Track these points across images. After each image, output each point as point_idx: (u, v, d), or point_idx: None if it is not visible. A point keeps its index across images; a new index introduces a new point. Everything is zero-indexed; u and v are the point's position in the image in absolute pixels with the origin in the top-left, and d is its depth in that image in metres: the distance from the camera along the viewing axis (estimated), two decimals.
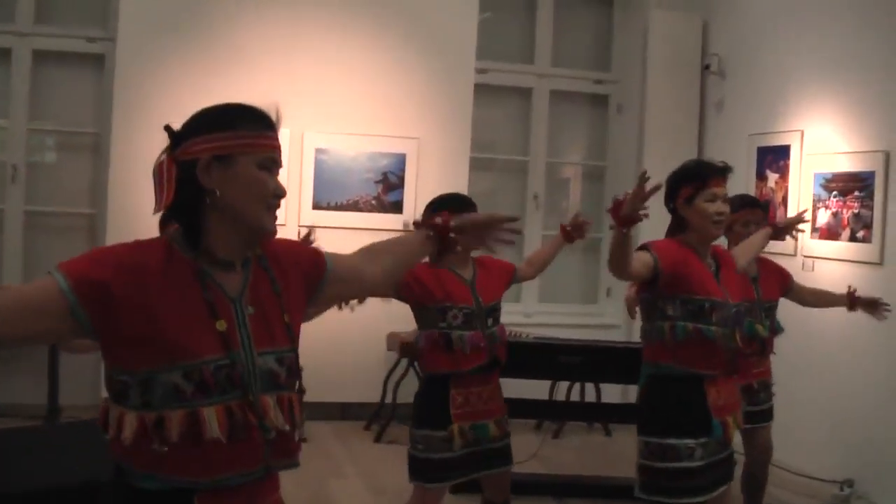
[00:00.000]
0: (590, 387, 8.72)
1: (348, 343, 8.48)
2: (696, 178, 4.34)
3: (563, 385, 8.70)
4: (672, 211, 4.43)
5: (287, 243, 2.76)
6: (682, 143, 9.28)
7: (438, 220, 3.03)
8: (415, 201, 8.65)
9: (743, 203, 5.74)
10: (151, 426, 2.29)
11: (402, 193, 8.87)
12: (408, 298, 4.83)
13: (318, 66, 8.74)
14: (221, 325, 2.39)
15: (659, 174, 8.06)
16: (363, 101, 8.83)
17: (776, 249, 6.83)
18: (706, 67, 9.42)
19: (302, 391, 2.57)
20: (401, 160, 8.81)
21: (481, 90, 9.32)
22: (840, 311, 6.14)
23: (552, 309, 9.62)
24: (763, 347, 5.72)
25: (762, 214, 5.91)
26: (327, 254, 2.80)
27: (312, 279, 2.72)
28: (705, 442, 4.23)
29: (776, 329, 5.84)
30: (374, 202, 8.82)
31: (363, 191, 8.74)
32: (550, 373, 7.54)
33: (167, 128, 2.51)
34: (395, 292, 4.79)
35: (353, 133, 8.79)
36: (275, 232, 2.55)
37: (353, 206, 8.71)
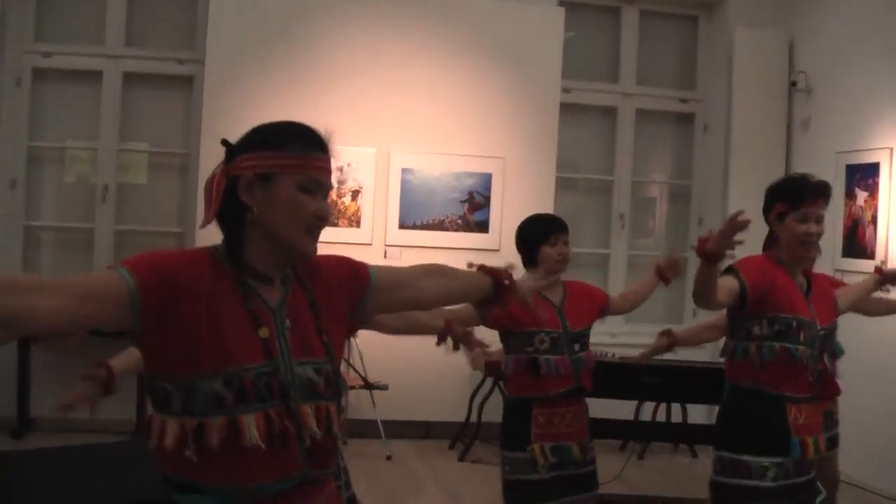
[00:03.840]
0: (676, 407, 8.66)
1: (433, 362, 8.45)
2: (791, 195, 4.23)
3: (650, 406, 8.64)
4: (768, 224, 4.35)
5: (329, 259, 2.75)
6: (768, 162, 9.18)
7: (506, 280, 3.00)
8: (500, 221, 8.67)
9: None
10: (192, 433, 2.33)
11: (487, 213, 8.89)
12: (495, 324, 4.84)
13: (403, 85, 8.83)
14: (264, 333, 2.43)
15: (745, 193, 8.01)
16: (449, 121, 8.90)
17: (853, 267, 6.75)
18: (793, 85, 9.33)
19: (342, 404, 2.58)
20: (486, 179, 8.83)
21: (566, 109, 9.34)
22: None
23: (638, 329, 9.55)
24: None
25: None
26: (372, 266, 2.79)
27: (355, 292, 2.72)
28: (780, 462, 4.13)
29: (836, 352, 5.56)
30: (459, 221, 8.86)
31: (449, 210, 8.78)
32: (635, 393, 7.50)
33: (224, 142, 2.55)
34: (482, 320, 4.81)
35: (439, 152, 8.86)
36: (314, 254, 2.56)
37: (439, 226, 8.76)
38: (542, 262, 4.92)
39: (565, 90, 9.32)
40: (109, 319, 2.29)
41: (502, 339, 4.95)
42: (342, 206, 8.69)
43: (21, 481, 4.57)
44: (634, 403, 8.47)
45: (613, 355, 7.36)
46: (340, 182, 8.68)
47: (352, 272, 2.75)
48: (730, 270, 4.16)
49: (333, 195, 8.62)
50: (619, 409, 7.41)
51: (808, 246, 4.22)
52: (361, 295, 2.73)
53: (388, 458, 8.12)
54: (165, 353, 2.35)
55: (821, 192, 4.26)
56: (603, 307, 5.13)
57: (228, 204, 2.48)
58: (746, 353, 4.22)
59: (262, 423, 2.36)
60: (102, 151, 8.88)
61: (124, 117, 8.91)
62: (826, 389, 4.46)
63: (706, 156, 9.90)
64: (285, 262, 2.54)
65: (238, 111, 8.33)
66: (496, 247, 8.48)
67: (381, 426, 8.34)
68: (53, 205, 8.98)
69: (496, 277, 3.00)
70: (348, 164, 8.70)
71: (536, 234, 4.96)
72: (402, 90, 8.81)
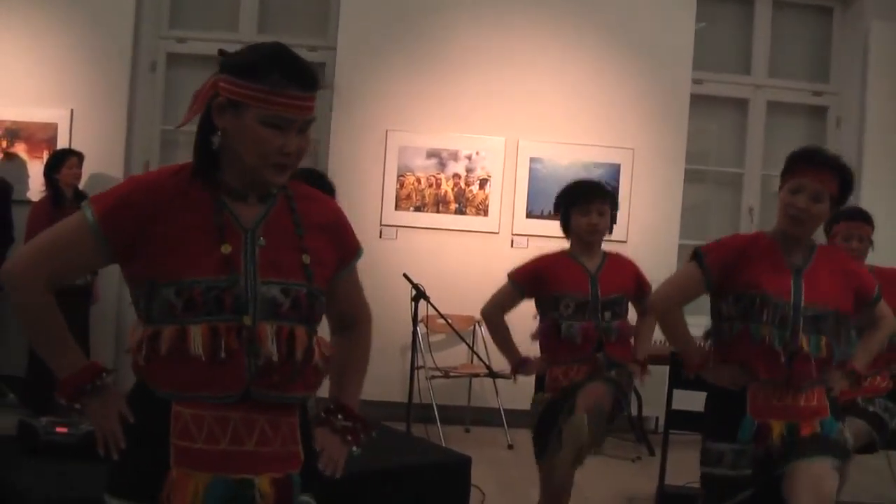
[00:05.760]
0: None
1: None
2: (790, 163, 3.95)
3: None
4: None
5: (335, 209, 2.77)
6: None
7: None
8: (628, 212, 8.59)
9: (848, 215, 5.36)
10: (146, 339, 2.44)
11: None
12: (527, 289, 4.94)
13: (533, 74, 8.81)
14: (226, 249, 2.45)
15: (878, 188, 7.77)
16: (578, 111, 8.84)
17: None
18: None
19: (314, 323, 2.58)
20: (615, 170, 8.77)
21: (696, 101, 9.20)
22: None
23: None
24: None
25: (869, 231, 5.47)
26: (358, 254, 2.80)
27: (340, 259, 2.72)
28: (738, 449, 3.89)
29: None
30: None
31: None
32: None
33: (220, 51, 2.53)
34: (518, 289, 4.93)
35: (568, 142, 8.81)
36: (277, 186, 2.54)
37: None
38: (572, 229, 4.94)
39: (696, 81, 9.19)
40: (87, 258, 2.53)
41: (536, 305, 5.02)
42: (470, 195, 8.71)
43: None
44: None
45: None
46: (469, 170, 8.70)
47: (350, 239, 2.77)
48: (695, 257, 4.01)
49: (461, 183, 8.65)
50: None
51: (794, 220, 3.87)
52: (342, 267, 2.74)
53: (510, 447, 8.10)
54: (137, 266, 2.46)
55: (815, 162, 3.88)
56: (639, 285, 5.10)
57: (205, 118, 2.51)
58: (720, 333, 4.02)
59: (208, 334, 2.40)
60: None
61: None
62: (793, 375, 3.90)
63: (838, 150, 9.45)
64: (260, 185, 2.54)
65: (368, 98, 8.39)
66: (623, 238, 8.39)
67: (503, 415, 8.33)
68: None
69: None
70: (477, 153, 8.71)
71: (568, 199, 4.96)
72: (531, 79, 8.79)
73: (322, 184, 4.19)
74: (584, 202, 4.87)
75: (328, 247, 2.65)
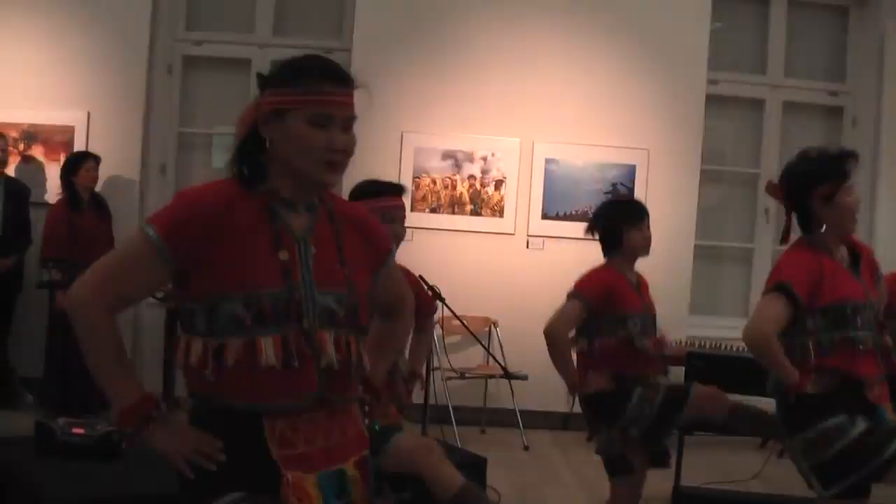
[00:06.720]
0: None
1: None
2: (837, 172, 4.04)
3: None
4: (800, 208, 4.17)
5: (366, 214, 2.88)
6: None
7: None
8: None
9: None
10: (212, 352, 2.48)
11: None
12: (592, 306, 4.86)
13: (548, 75, 8.80)
14: (284, 255, 2.53)
15: (894, 189, 7.72)
16: (593, 112, 8.84)
17: None
18: None
19: (363, 331, 2.67)
20: (630, 171, 8.75)
21: (711, 101, 9.17)
22: None
23: (704, 322, 9.35)
24: None
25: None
26: (391, 253, 2.91)
27: (374, 261, 2.81)
28: (867, 422, 3.94)
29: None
30: None
31: (592, 201, 8.63)
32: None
33: (258, 75, 2.66)
34: (587, 305, 4.85)
35: (583, 143, 8.80)
36: (330, 185, 2.63)
37: (582, 217, 8.60)
38: (628, 246, 4.93)
39: (711, 81, 9.16)
40: (151, 278, 2.55)
41: (585, 323, 4.91)
42: (486, 196, 8.72)
43: None
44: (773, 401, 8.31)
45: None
46: (484, 171, 8.71)
47: (381, 239, 2.88)
48: (778, 289, 4.01)
49: (477, 184, 8.67)
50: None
51: (854, 221, 4.11)
52: (377, 268, 2.82)
53: (526, 448, 8.11)
54: (198, 280, 2.51)
55: (853, 158, 4.12)
56: None
57: (253, 135, 2.60)
58: (805, 350, 4.04)
59: (279, 345, 2.48)
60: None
61: None
62: (890, 369, 4.13)
63: (854, 150, 9.64)
64: (308, 192, 2.63)
65: (383, 100, 8.39)
66: None
67: (519, 416, 8.34)
68: None
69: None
70: (492, 154, 8.72)
71: (624, 218, 4.97)
72: (546, 81, 8.79)
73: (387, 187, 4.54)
74: (639, 217, 4.94)
75: (364, 253, 2.75)
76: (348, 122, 2.58)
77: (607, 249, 4.99)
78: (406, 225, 7.99)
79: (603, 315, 4.85)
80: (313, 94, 2.52)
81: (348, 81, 2.59)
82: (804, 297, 3.97)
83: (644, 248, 4.97)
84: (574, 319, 4.88)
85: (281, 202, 2.59)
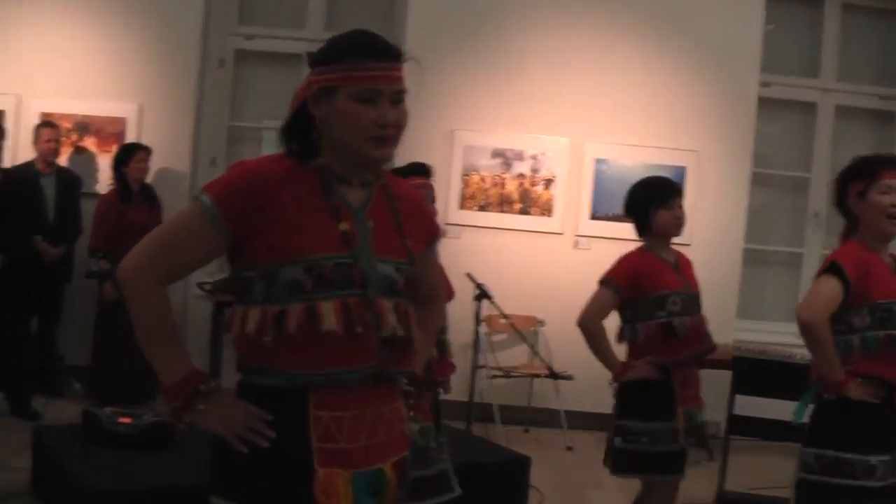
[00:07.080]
0: None
1: (619, 354, 8.44)
2: (866, 170, 4.06)
3: None
4: (844, 212, 4.16)
5: (421, 196, 2.94)
6: None
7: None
8: (693, 215, 8.52)
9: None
10: (272, 319, 2.42)
11: None
12: (623, 292, 4.81)
13: (598, 75, 8.79)
14: (344, 226, 2.50)
15: None
16: (644, 113, 8.81)
17: None
18: None
19: (412, 301, 2.64)
20: (680, 173, 8.67)
21: (763, 103, 9.11)
22: None
23: (751, 326, 9.28)
24: None
25: None
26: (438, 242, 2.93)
27: (423, 242, 2.79)
28: (888, 460, 3.91)
29: None
30: None
31: None
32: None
33: (307, 53, 2.63)
34: (617, 292, 4.81)
35: (634, 144, 8.78)
36: (382, 160, 2.60)
37: None
38: (657, 226, 4.86)
39: (763, 84, 9.10)
40: (205, 247, 2.52)
41: (624, 310, 4.88)
42: (535, 195, 8.71)
43: None
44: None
45: (802, 357, 7.15)
46: (534, 170, 8.71)
47: (432, 223, 2.91)
48: (832, 271, 3.98)
49: (526, 183, 8.66)
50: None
51: (893, 220, 4.02)
52: (424, 247, 2.80)
53: (569, 448, 8.10)
54: (254, 248, 2.47)
55: (894, 163, 4.08)
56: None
57: (302, 113, 2.59)
58: (850, 346, 4.00)
59: (340, 309, 2.44)
60: None
61: None
62: None
63: None
64: (360, 169, 2.62)
65: (434, 97, 8.39)
66: (688, 241, 8.32)
67: (563, 416, 8.34)
68: None
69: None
70: (542, 154, 8.71)
71: (651, 197, 4.88)
72: (596, 80, 8.77)
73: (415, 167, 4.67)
74: (667, 197, 4.86)
75: (418, 231, 2.73)
76: (397, 96, 2.54)
77: (639, 230, 4.96)
78: (454, 222, 8.04)
79: (639, 299, 4.79)
80: (358, 70, 2.49)
81: (395, 55, 2.55)
82: (853, 281, 3.94)
83: (675, 228, 4.86)
84: (604, 307, 4.84)
85: (335, 177, 2.57)
